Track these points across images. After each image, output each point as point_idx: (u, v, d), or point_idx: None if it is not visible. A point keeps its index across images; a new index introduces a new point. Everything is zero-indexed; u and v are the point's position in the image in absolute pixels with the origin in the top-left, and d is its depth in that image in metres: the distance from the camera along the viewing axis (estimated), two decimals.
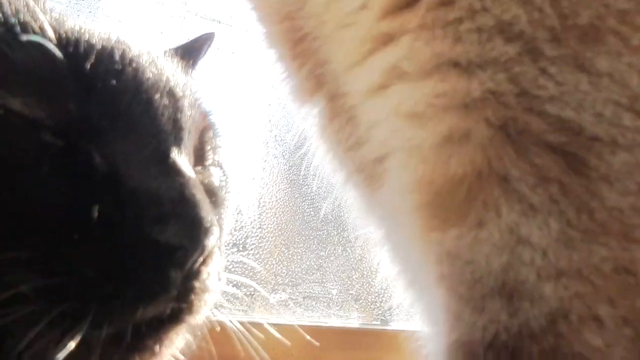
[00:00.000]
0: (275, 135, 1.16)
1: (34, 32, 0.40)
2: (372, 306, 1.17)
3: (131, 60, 0.45)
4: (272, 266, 1.09)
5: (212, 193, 0.52)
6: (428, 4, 0.41)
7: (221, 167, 0.56)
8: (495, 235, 0.39)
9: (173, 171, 0.43)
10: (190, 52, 0.63)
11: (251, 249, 1.07)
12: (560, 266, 0.38)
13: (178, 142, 0.45)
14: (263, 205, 1.12)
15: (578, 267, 0.37)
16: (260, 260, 1.07)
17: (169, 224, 0.40)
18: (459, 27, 0.40)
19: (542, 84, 0.39)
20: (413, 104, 0.42)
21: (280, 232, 1.12)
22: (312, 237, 1.15)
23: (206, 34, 0.67)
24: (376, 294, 1.15)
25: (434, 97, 0.41)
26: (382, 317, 1.16)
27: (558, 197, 0.38)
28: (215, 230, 0.42)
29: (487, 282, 0.39)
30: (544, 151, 0.39)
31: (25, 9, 0.42)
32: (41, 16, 0.41)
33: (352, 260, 1.16)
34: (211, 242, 0.41)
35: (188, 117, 0.48)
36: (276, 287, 1.09)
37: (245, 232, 1.08)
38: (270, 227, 1.11)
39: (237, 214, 1.06)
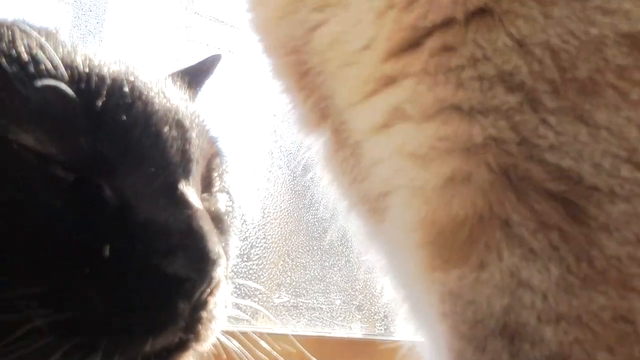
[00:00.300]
0: (280, 146, 1.17)
1: (48, 71, 0.41)
2: (375, 317, 1.17)
3: (140, 93, 0.46)
4: (276, 276, 1.10)
5: (218, 220, 0.53)
6: (431, 49, 0.41)
7: (228, 193, 0.57)
8: (497, 277, 0.40)
9: (181, 203, 0.44)
10: (197, 75, 0.64)
11: (255, 259, 1.08)
12: (560, 311, 0.38)
13: (186, 173, 0.46)
14: (267, 216, 1.13)
15: (578, 313, 0.38)
16: (264, 270, 1.08)
17: (177, 256, 0.40)
18: (460, 74, 0.40)
19: (542, 134, 0.39)
20: (417, 145, 0.42)
21: (284, 242, 1.13)
22: (315, 248, 1.16)
23: (213, 56, 0.68)
24: (380, 305, 1.16)
25: (437, 140, 0.41)
26: (385, 327, 1.17)
27: (558, 244, 0.38)
28: (222, 262, 0.42)
29: (488, 322, 0.40)
30: (544, 198, 0.39)
31: (38, 46, 0.42)
32: (54, 55, 0.42)
33: (356, 270, 1.16)
34: (218, 273, 0.42)
35: (196, 147, 0.48)
36: (280, 297, 1.09)
37: (250, 242, 1.08)
38: (275, 238, 1.12)
39: (242, 224, 1.07)
